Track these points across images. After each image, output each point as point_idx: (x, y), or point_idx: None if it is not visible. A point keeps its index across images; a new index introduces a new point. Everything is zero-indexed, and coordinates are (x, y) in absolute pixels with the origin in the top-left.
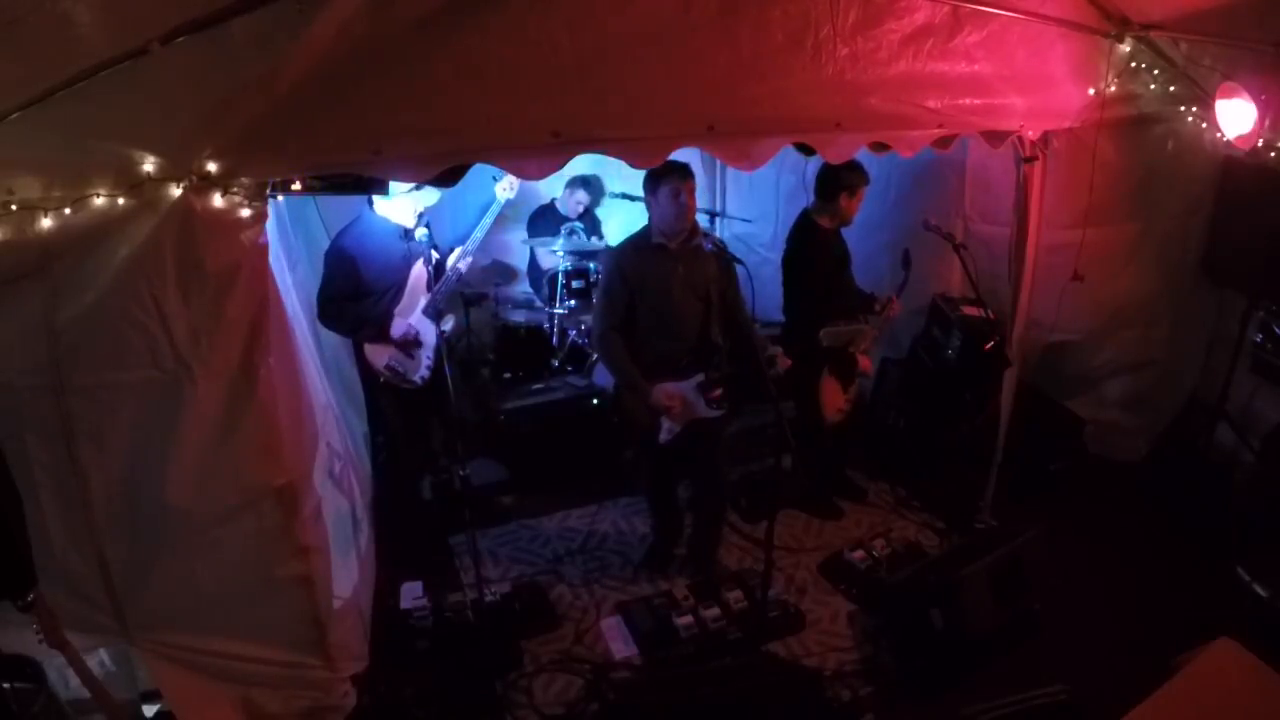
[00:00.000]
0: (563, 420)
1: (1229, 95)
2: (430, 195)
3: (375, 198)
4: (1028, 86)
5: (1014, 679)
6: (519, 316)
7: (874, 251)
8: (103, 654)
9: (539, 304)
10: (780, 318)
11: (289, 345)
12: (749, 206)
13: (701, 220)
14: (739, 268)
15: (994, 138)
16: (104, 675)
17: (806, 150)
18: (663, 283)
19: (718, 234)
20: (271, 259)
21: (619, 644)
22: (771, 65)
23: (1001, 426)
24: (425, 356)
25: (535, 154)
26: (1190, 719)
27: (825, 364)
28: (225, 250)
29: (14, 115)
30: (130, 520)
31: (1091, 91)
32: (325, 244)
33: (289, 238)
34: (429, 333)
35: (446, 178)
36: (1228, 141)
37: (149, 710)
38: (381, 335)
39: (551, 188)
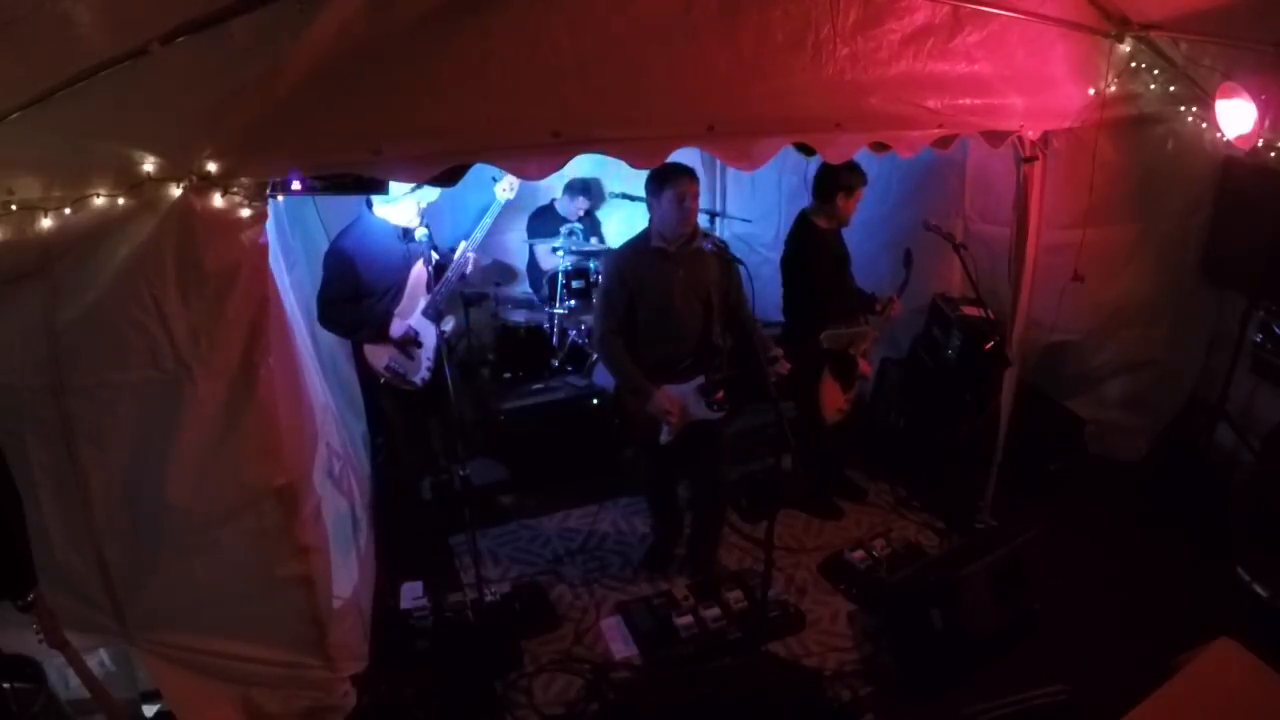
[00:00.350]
0: (563, 420)
1: (1229, 95)
2: (431, 192)
3: (376, 200)
4: (1028, 86)
5: (1014, 679)
6: (519, 316)
7: (874, 251)
8: (103, 654)
9: (539, 304)
10: (780, 318)
11: (289, 345)
12: (750, 206)
13: (702, 220)
14: (738, 268)
15: (994, 138)
16: (104, 675)
17: (807, 150)
18: (663, 286)
19: (718, 234)
20: (271, 259)
21: (619, 644)
22: (772, 65)
23: (1001, 426)
24: (425, 357)
25: (535, 154)
26: (1190, 719)
27: (825, 364)
28: (225, 250)
29: (14, 115)
30: (130, 520)
31: (1091, 91)
32: (324, 244)
33: (287, 238)
34: (429, 333)
35: (446, 178)
36: (1228, 141)
37: (149, 710)
38: (381, 336)
39: (552, 188)
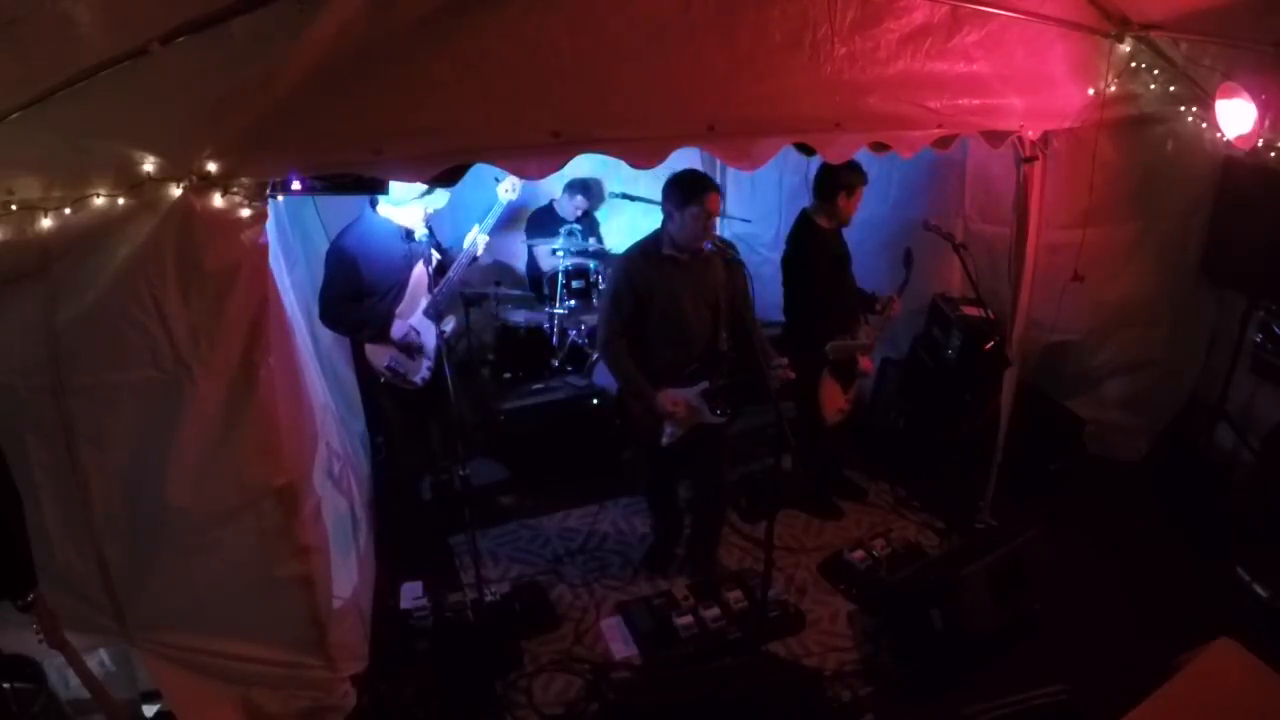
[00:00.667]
0: (563, 420)
1: (1229, 95)
2: (440, 198)
3: (382, 200)
4: (1027, 86)
5: (1014, 679)
6: (519, 316)
7: (874, 251)
8: (103, 654)
9: (539, 304)
10: (781, 317)
11: (289, 345)
12: (750, 206)
13: None
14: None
15: (994, 138)
16: (104, 675)
17: (807, 150)
18: (673, 293)
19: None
20: (271, 259)
21: (619, 644)
22: (770, 65)
23: (1001, 426)
24: (426, 357)
25: (535, 154)
26: (1190, 719)
27: (825, 364)
28: (225, 250)
29: (14, 115)
30: (130, 520)
31: (1091, 91)
32: (324, 244)
33: (288, 238)
34: (429, 334)
35: (447, 177)
36: (1228, 141)
37: (149, 710)
38: (382, 336)
39: (551, 188)
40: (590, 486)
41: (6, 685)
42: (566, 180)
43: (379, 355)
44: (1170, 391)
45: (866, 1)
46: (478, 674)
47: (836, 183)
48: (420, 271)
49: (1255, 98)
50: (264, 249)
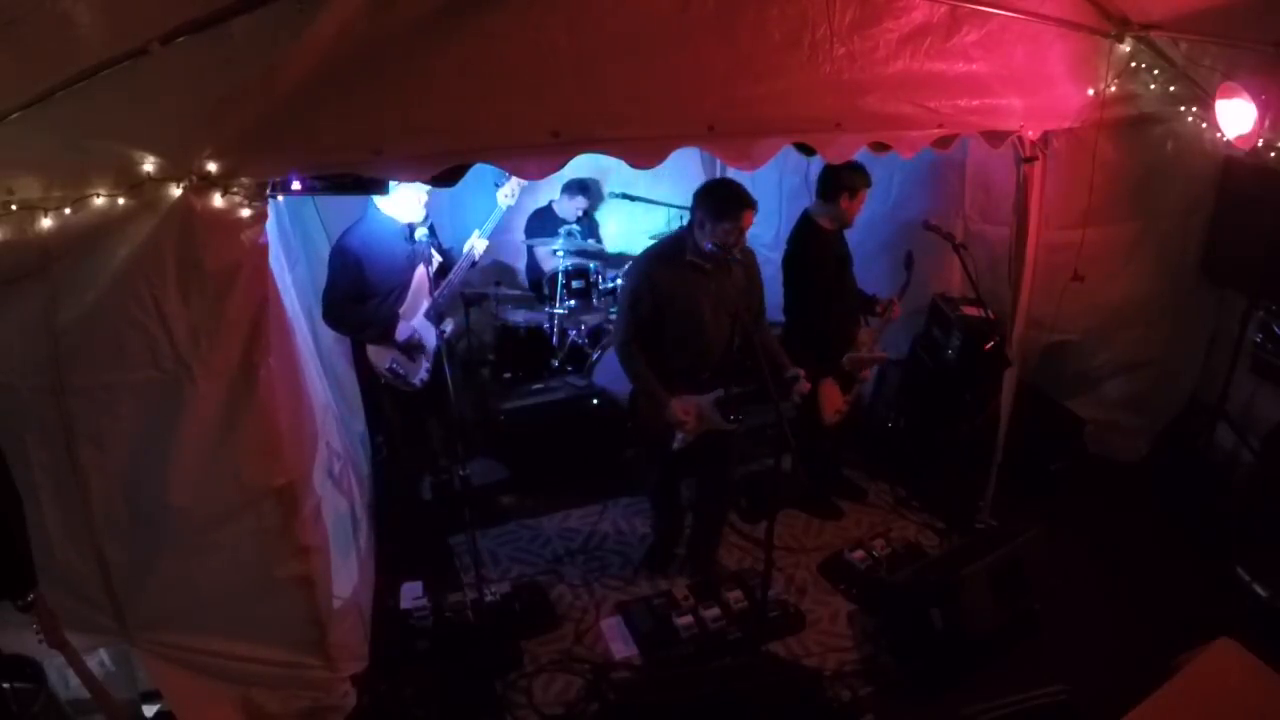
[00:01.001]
0: (563, 420)
1: (1229, 95)
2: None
3: (378, 198)
4: (1027, 86)
5: (1014, 679)
6: (519, 316)
7: (874, 252)
8: (103, 654)
9: (539, 304)
10: (781, 317)
11: (289, 345)
12: None
13: None
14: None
15: (994, 138)
16: (104, 675)
17: (807, 150)
18: (694, 301)
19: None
20: (271, 259)
21: (619, 644)
22: (769, 65)
23: (1001, 426)
24: (426, 358)
25: (535, 154)
26: (1190, 719)
27: (825, 365)
28: (225, 250)
29: (14, 115)
30: (130, 520)
31: (1091, 91)
32: (325, 244)
33: (289, 238)
34: (430, 336)
35: (447, 177)
36: (1228, 141)
37: (149, 710)
38: (386, 337)
39: (551, 188)
40: (590, 486)
41: (6, 685)
42: (565, 181)
43: (381, 356)
44: (1170, 391)
45: (866, 1)
46: (478, 674)
47: (840, 184)
48: (422, 273)
49: (1255, 98)
50: (264, 249)
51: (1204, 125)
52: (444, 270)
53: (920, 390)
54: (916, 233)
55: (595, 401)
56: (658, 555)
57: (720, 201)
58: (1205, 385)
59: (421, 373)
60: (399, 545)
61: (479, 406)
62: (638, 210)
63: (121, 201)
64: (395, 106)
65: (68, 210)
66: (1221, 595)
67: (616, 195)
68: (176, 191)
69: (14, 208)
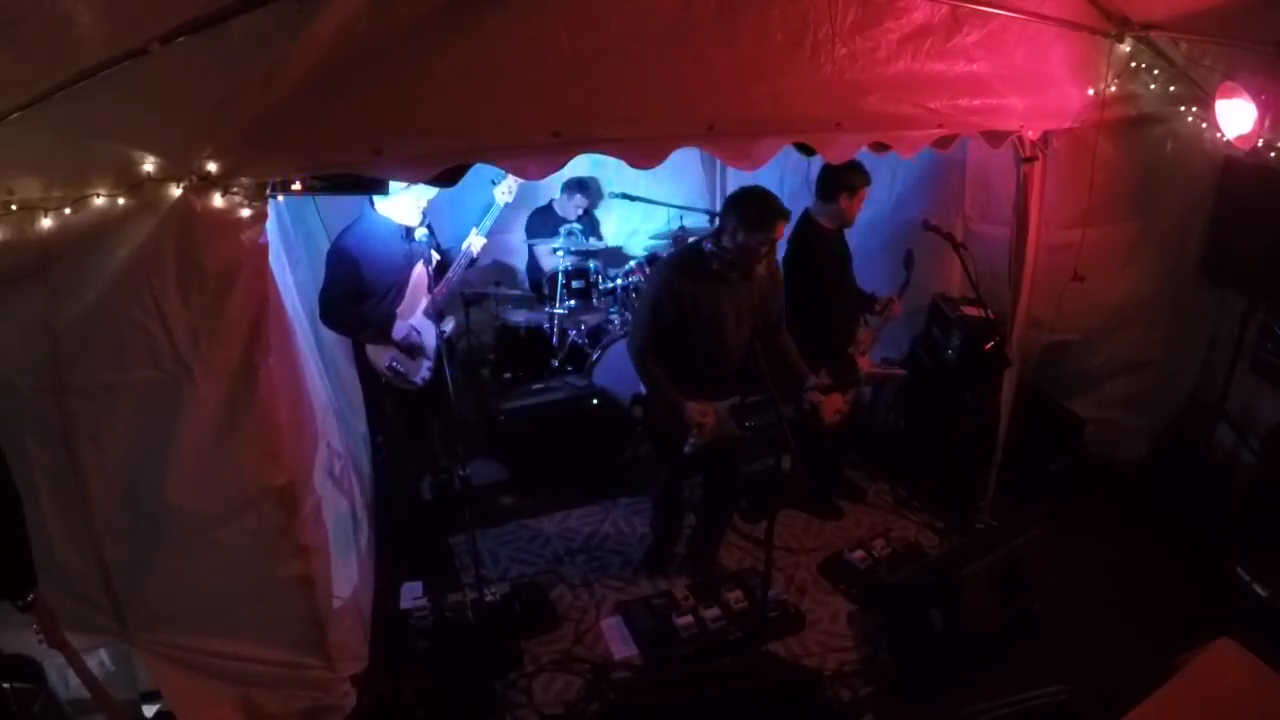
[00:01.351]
0: (563, 420)
1: (1229, 95)
2: (428, 189)
3: (377, 198)
4: (1027, 86)
5: (1014, 679)
6: (519, 316)
7: (874, 251)
8: (103, 654)
9: (539, 304)
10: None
11: (289, 345)
12: None
13: (702, 220)
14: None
15: (994, 138)
16: (104, 675)
17: (807, 150)
18: (717, 311)
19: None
20: (272, 259)
21: (619, 644)
22: (771, 65)
23: (1001, 426)
24: (427, 357)
25: (535, 154)
26: (1190, 719)
27: (825, 366)
28: (225, 250)
29: (14, 115)
30: (130, 520)
31: (1091, 91)
32: (325, 244)
33: (290, 238)
34: (430, 334)
35: (446, 178)
36: (1228, 141)
37: (149, 710)
38: (383, 337)
39: (550, 188)
40: (590, 486)
41: (6, 685)
42: (565, 180)
43: (380, 355)
44: (1170, 391)
45: (867, 1)
46: (478, 674)
47: (839, 183)
48: (420, 272)
49: (1255, 98)
50: (264, 249)
51: (1204, 125)
52: (442, 269)
53: (920, 390)
54: (916, 232)
55: (595, 401)
56: (656, 555)
57: (754, 212)
58: (1205, 385)
59: (423, 371)
60: (399, 545)
61: (479, 406)
62: (638, 209)
63: (121, 201)
64: (395, 106)
65: (68, 210)
66: (1221, 595)
67: (616, 195)
68: (176, 191)
69: (14, 208)
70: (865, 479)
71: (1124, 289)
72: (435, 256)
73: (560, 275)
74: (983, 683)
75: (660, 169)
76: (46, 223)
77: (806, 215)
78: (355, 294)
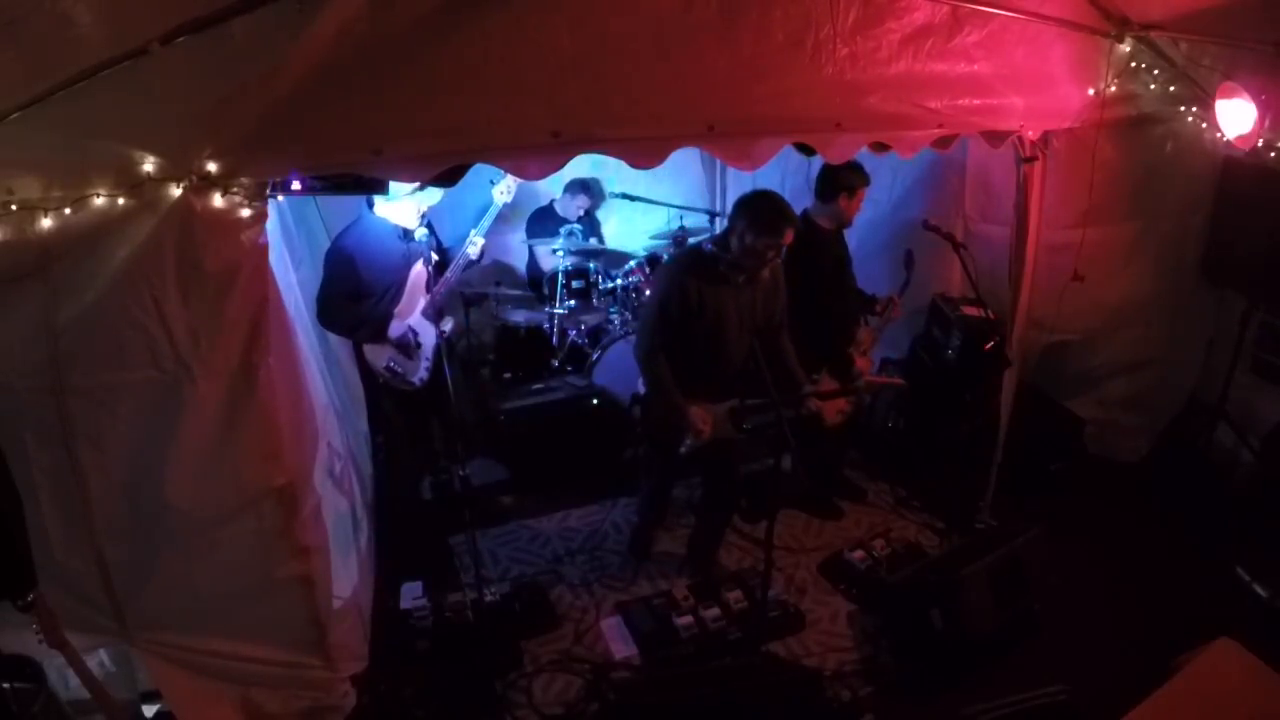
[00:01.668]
0: (563, 420)
1: (1229, 95)
2: (433, 195)
3: (377, 199)
4: (1027, 86)
5: (1014, 679)
6: (519, 316)
7: (874, 251)
8: (103, 654)
9: (539, 304)
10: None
11: (289, 345)
12: None
13: (702, 220)
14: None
15: (994, 138)
16: (104, 675)
17: (807, 150)
18: (722, 313)
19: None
20: (275, 258)
21: (619, 644)
22: (772, 65)
23: (1001, 426)
24: (424, 357)
25: (535, 154)
26: (1190, 719)
27: (824, 366)
28: (225, 250)
29: (14, 115)
30: (130, 521)
31: (1091, 91)
32: (325, 244)
33: (292, 238)
34: (428, 334)
35: (446, 178)
36: (1228, 141)
37: (149, 710)
38: (379, 336)
39: (551, 188)
40: (590, 486)
41: (6, 685)
42: (566, 180)
43: (378, 355)
44: (1170, 391)
45: (868, 2)
46: (478, 674)
47: (838, 184)
48: (419, 271)
49: (1255, 98)
50: (264, 249)
51: (1204, 125)
52: (442, 269)
53: (920, 390)
54: (916, 233)
55: (595, 401)
56: (641, 541)
57: (764, 217)
58: (1205, 385)
59: (421, 371)
60: (399, 545)
61: (479, 406)
62: (639, 209)
63: (121, 201)
64: (395, 107)
65: (68, 210)
66: (1221, 595)
67: (616, 195)
68: (176, 191)
69: (14, 208)
70: (865, 479)
71: (1124, 289)
72: (435, 256)
73: (560, 275)
74: (983, 683)
75: (660, 169)
76: (46, 223)
77: (805, 215)
78: (353, 294)
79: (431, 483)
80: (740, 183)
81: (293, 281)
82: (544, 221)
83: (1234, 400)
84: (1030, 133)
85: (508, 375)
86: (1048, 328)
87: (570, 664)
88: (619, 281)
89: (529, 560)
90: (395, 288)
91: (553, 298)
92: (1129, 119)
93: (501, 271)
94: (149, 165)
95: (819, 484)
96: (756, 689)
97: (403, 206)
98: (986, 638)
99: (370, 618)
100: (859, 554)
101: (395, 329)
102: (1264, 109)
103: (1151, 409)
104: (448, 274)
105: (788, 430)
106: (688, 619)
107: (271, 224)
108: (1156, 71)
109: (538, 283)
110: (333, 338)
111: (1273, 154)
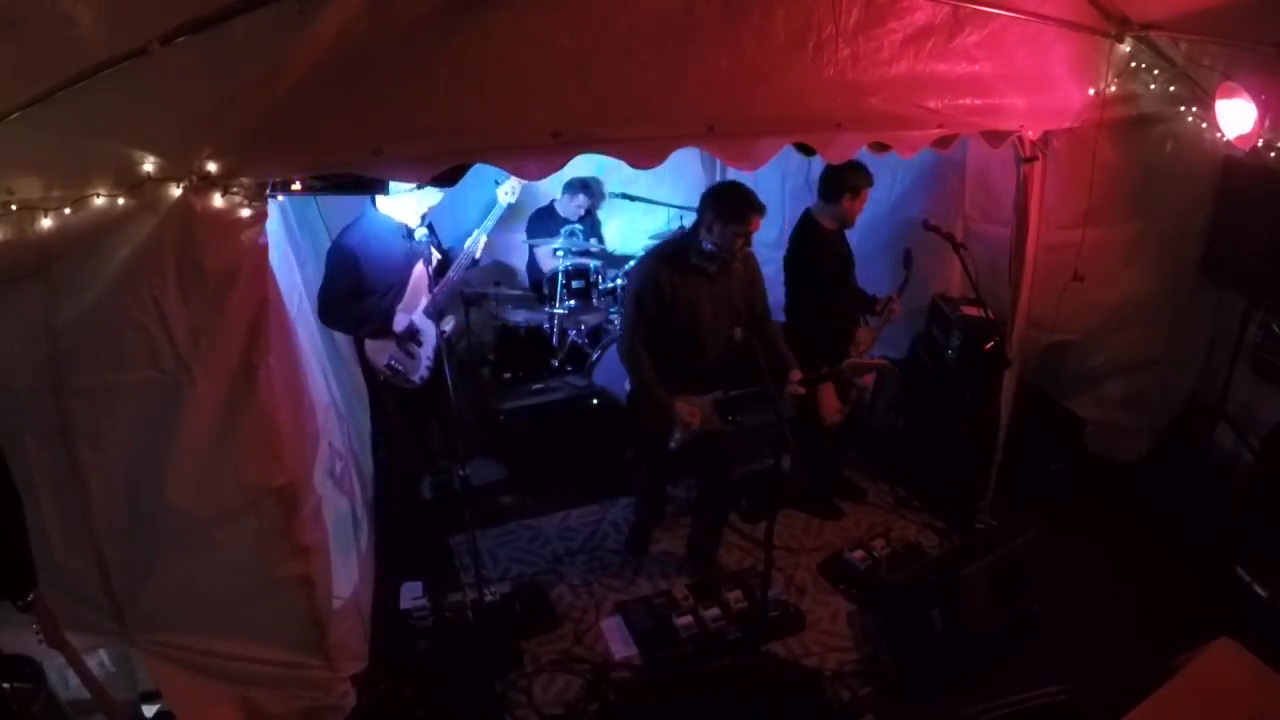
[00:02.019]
0: (563, 420)
1: (1229, 95)
2: (434, 194)
3: (378, 196)
4: (1028, 86)
5: (1014, 679)
6: (519, 316)
7: (874, 251)
8: (103, 654)
9: (539, 304)
10: (782, 317)
11: (289, 345)
12: None
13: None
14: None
15: (994, 138)
16: (104, 675)
17: (807, 150)
18: (695, 303)
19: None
20: (279, 258)
21: (619, 644)
22: (773, 65)
23: (1001, 426)
24: (425, 356)
25: (535, 154)
26: (1190, 719)
27: (824, 366)
28: (225, 250)
29: (14, 115)
30: (130, 521)
31: (1091, 91)
32: (327, 242)
33: (296, 237)
34: (429, 332)
35: (447, 177)
36: (1228, 141)
37: (149, 710)
38: (383, 331)
39: (551, 188)
40: (590, 486)
41: (6, 685)
42: (566, 180)
43: (379, 354)
44: (1170, 391)
45: (870, 2)
46: (478, 674)
47: (842, 184)
48: (421, 270)
49: (1255, 98)
50: (264, 249)
51: (1204, 125)
52: (443, 268)
53: (920, 390)
54: (916, 233)
55: (595, 401)
56: (637, 539)
57: (730, 205)
58: (1205, 385)
59: (421, 370)
60: (399, 545)
61: (479, 406)
62: (639, 209)
63: (121, 201)
64: (395, 107)
65: (68, 210)
66: (1221, 595)
67: (617, 195)
68: (176, 191)
69: (14, 208)
70: (865, 479)
71: (1124, 289)
72: (436, 256)
73: (560, 275)
74: (983, 683)
75: (660, 169)
76: (46, 223)
77: (808, 214)
78: (355, 292)
79: (431, 483)
80: (742, 182)
81: (297, 281)
82: (544, 222)
83: (1234, 400)
84: (1030, 133)
85: (508, 375)
86: (1048, 328)
87: (570, 664)
88: (619, 282)
89: (529, 560)
90: (398, 286)
91: (553, 298)
92: (1129, 119)
93: (501, 271)
94: (149, 165)
95: (819, 484)
96: (756, 689)
97: (404, 201)
98: (986, 638)
99: (370, 618)
100: (859, 554)
101: (399, 321)
102: (1264, 109)
103: (1151, 409)
104: (450, 273)
105: (788, 430)
106: (688, 619)
107: (274, 223)
108: (1156, 71)
109: (538, 283)
110: (339, 337)
111: (1273, 154)
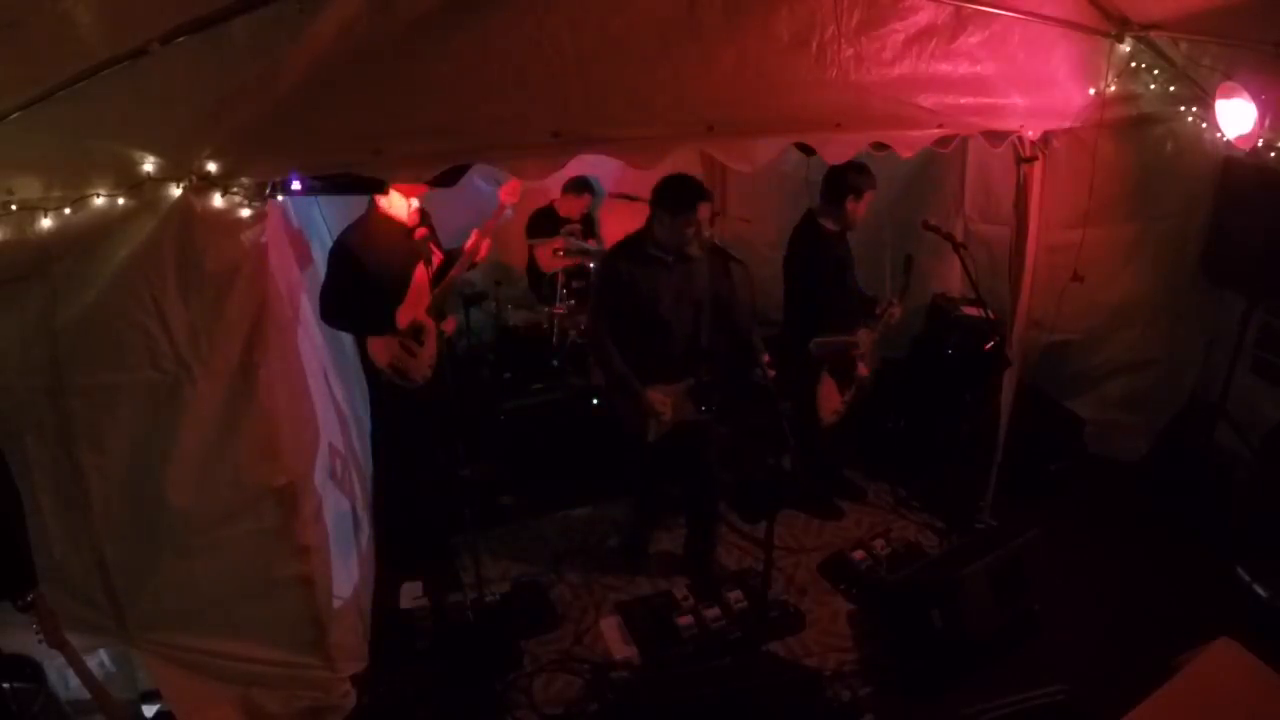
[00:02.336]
0: (563, 420)
1: (1229, 95)
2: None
3: (378, 197)
4: (1028, 86)
5: (1014, 679)
6: (519, 317)
7: (874, 251)
8: (103, 654)
9: (539, 304)
10: (780, 318)
11: (289, 345)
12: (751, 206)
13: None
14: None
15: (994, 138)
16: (104, 675)
17: (807, 150)
18: (653, 292)
19: (718, 234)
20: (280, 258)
21: (619, 644)
22: (775, 65)
23: (1001, 426)
24: (427, 356)
25: (535, 154)
26: (1190, 719)
27: (823, 365)
28: (225, 250)
29: (14, 115)
30: (130, 521)
31: (1092, 91)
32: (329, 241)
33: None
34: (431, 333)
35: (447, 178)
36: (1228, 141)
37: (149, 710)
38: (385, 329)
39: (550, 188)
40: (591, 486)
41: (6, 685)
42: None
43: (380, 353)
44: (1170, 391)
45: (873, 3)
46: (478, 674)
47: (846, 187)
48: (421, 271)
49: (1255, 98)
50: (264, 249)
51: (1204, 125)
52: (444, 268)
53: (920, 390)
54: (916, 233)
55: (595, 401)
56: (632, 548)
57: (673, 196)
58: (1205, 385)
59: (423, 370)
60: (399, 545)
61: (479, 406)
62: (639, 209)
63: (121, 201)
64: (395, 106)
65: (68, 210)
66: (1221, 595)
67: (616, 195)
68: (176, 191)
69: (14, 208)
70: (865, 479)
71: (1124, 289)
72: (437, 255)
73: (560, 275)
74: (983, 683)
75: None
76: (46, 223)
77: (810, 215)
78: (357, 289)
79: (432, 483)
80: (741, 182)
81: (300, 281)
82: (544, 221)
83: (1234, 400)
84: (1030, 133)
85: (508, 375)
86: (1048, 328)
87: (570, 664)
88: None
89: (529, 560)
90: (399, 286)
91: (553, 298)
92: (1129, 119)
93: (501, 271)
94: (149, 165)
95: (819, 484)
96: (756, 689)
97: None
98: (986, 638)
99: (370, 618)
100: (859, 554)
101: (404, 316)
102: (1264, 109)
103: (1151, 408)
104: (452, 272)
105: (787, 430)
106: (688, 619)
107: (276, 223)
108: (1156, 71)
109: (538, 283)
110: (343, 336)
111: (1273, 154)
